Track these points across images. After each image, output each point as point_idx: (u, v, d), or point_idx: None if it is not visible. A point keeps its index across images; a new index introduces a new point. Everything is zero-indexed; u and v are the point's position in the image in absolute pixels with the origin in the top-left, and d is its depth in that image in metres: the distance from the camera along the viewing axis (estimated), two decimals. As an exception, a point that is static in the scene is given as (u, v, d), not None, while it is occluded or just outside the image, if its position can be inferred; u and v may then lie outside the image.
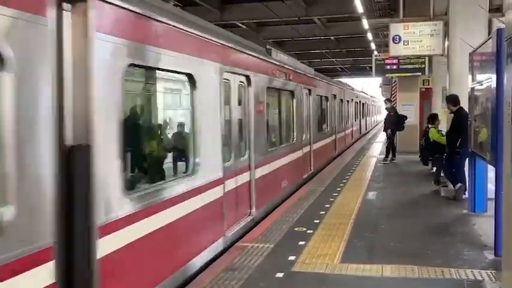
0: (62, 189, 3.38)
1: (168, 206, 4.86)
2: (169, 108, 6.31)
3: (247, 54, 7.59)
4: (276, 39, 25.96)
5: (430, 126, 11.33)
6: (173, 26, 5.02)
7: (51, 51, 3.33)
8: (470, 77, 8.21)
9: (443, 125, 11.59)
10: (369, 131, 35.19)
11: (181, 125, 6.10)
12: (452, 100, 9.26)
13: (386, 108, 17.12)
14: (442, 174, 10.65)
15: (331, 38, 27.02)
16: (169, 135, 6.08)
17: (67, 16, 3.48)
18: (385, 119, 17.19)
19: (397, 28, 12.45)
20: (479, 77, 7.43)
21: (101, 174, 3.76)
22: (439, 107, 15.66)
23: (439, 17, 12.27)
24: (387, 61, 18.05)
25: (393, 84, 23.41)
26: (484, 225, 7.28)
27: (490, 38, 6.44)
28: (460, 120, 8.83)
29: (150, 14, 4.57)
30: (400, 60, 17.50)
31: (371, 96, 41.08)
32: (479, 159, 7.49)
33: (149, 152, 5.43)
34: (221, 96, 6.31)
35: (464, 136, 8.49)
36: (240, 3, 19.17)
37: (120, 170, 4.07)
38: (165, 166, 5.70)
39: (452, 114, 9.40)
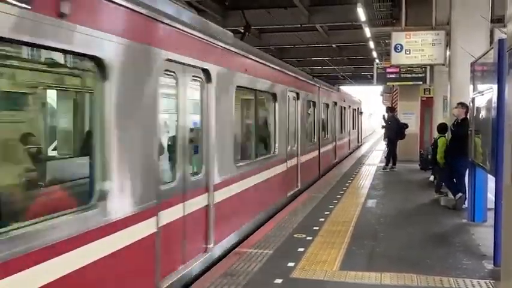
0: None
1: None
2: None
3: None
4: (277, 45, 26.00)
5: (439, 135, 11.12)
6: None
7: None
8: (471, 86, 8.23)
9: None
10: (358, 147, 27.70)
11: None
12: (468, 107, 9.07)
13: (383, 117, 17.13)
14: (442, 184, 10.64)
15: (333, 45, 27.04)
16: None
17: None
18: (385, 128, 17.24)
19: (399, 37, 12.48)
20: (481, 87, 7.45)
21: None
22: (441, 116, 15.66)
23: (441, 26, 12.31)
24: (388, 69, 18.07)
25: (394, 93, 23.45)
26: (483, 235, 7.28)
27: (492, 48, 6.47)
28: (466, 130, 8.64)
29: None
30: (402, 69, 17.53)
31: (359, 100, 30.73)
32: (480, 169, 7.50)
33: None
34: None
35: (466, 146, 8.45)
36: (242, 9, 19.20)
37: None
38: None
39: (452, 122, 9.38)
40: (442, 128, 10.78)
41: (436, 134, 11.48)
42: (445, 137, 10.44)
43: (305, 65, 35.70)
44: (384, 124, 17.24)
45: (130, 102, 4.32)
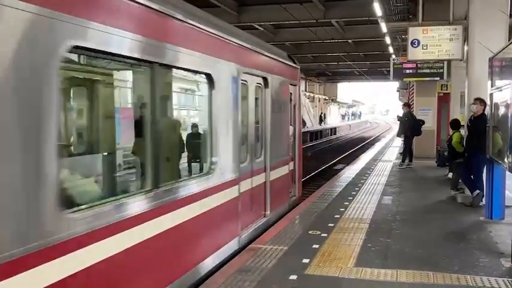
0: None
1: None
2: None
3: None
4: (292, 41, 25.96)
5: (454, 131, 11.01)
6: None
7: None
8: (489, 82, 8.12)
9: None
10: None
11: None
12: (485, 103, 8.94)
13: (402, 114, 16.97)
14: (459, 181, 10.53)
15: (349, 41, 26.93)
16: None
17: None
18: (400, 123, 17.11)
19: (416, 32, 12.34)
20: (499, 82, 7.35)
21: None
22: (458, 113, 15.51)
23: (459, 21, 12.15)
24: (405, 65, 17.91)
25: (411, 89, 23.27)
26: (500, 233, 7.20)
27: (511, 43, 6.37)
28: (484, 126, 8.50)
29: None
30: (418, 65, 17.36)
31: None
32: (498, 166, 7.40)
33: None
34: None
35: (483, 142, 8.34)
36: (257, 5, 19.20)
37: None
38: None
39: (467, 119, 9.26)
40: (455, 124, 10.73)
41: (451, 131, 11.42)
42: (459, 131, 10.37)
43: (320, 61, 35.54)
44: (400, 116, 17.08)
45: None
